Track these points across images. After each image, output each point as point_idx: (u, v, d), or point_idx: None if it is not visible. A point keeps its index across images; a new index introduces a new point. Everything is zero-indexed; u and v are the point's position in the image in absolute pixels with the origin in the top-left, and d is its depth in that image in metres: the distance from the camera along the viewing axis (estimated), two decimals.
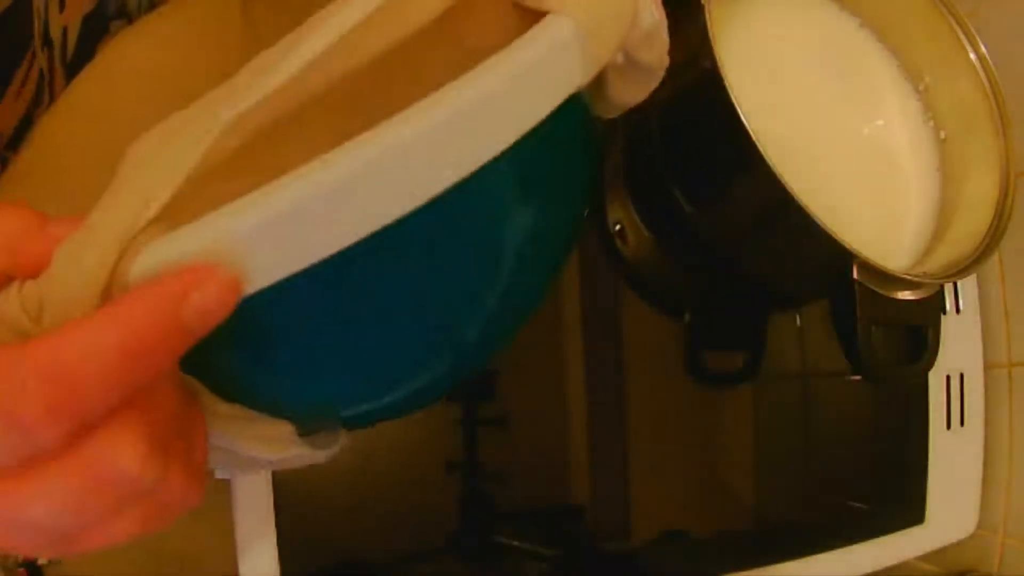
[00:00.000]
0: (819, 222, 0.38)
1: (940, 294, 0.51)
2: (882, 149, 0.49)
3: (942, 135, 0.49)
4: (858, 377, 0.52)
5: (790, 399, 0.52)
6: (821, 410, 0.52)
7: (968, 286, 0.56)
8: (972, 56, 0.46)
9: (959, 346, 0.55)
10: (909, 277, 0.41)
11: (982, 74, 0.46)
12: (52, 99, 0.37)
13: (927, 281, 0.42)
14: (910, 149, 0.49)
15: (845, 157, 0.48)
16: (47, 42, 0.36)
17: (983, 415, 0.56)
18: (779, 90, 0.46)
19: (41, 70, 0.36)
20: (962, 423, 0.55)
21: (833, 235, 0.38)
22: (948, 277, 0.43)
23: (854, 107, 0.49)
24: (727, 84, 0.37)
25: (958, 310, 0.55)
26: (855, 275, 0.40)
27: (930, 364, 0.45)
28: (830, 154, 0.47)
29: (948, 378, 0.55)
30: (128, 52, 0.35)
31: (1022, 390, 0.56)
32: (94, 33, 0.39)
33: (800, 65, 0.47)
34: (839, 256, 0.39)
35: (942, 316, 0.50)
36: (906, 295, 0.42)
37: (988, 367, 0.56)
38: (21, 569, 0.74)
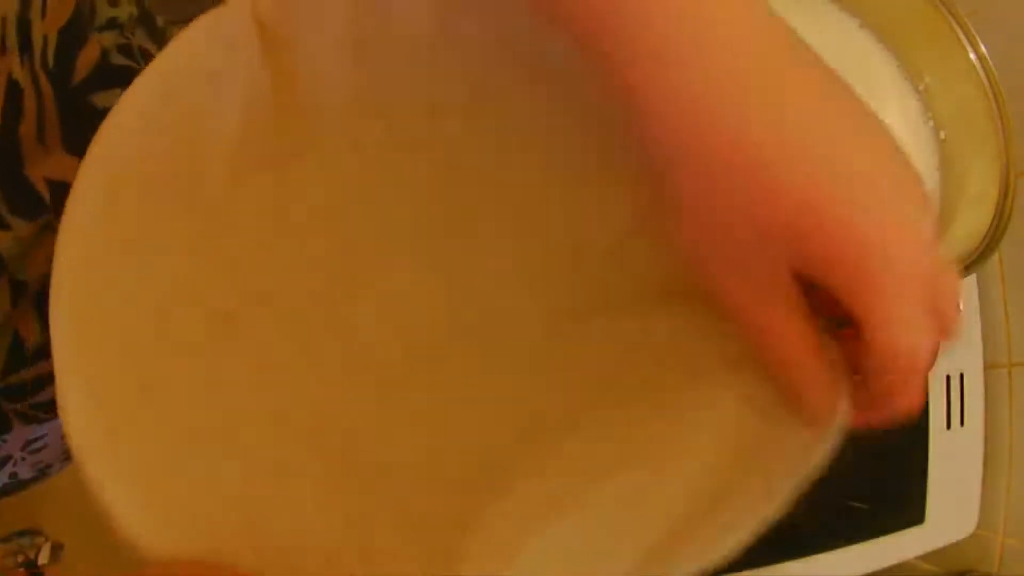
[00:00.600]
0: None
1: None
2: None
3: (942, 135, 0.49)
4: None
5: None
6: None
7: (968, 286, 0.56)
8: (972, 56, 0.46)
9: (959, 346, 0.55)
10: None
11: (982, 74, 0.46)
12: (41, 116, 0.36)
13: None
14: (910, 149, 0.49)
15: None
16: (26, 48, 0.35)
17: (983, 415, 0.56)
18: None
19: (13, 80, 0.34)
20: (962, 423, 0.55)
21: None
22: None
23: None
24: None
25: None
26: None
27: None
28: None
29: (948, 378, 0.55)
30: (122, 149, 0.32)
31: (1022, 390, 0.56)
32: (70, 47, 0.38)
33: None
34: None
35: None
36: None
37: (988, 367, 0.56)
38: (21, 569, 0.74)
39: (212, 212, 0.33)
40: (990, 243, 0.42)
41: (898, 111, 0.49)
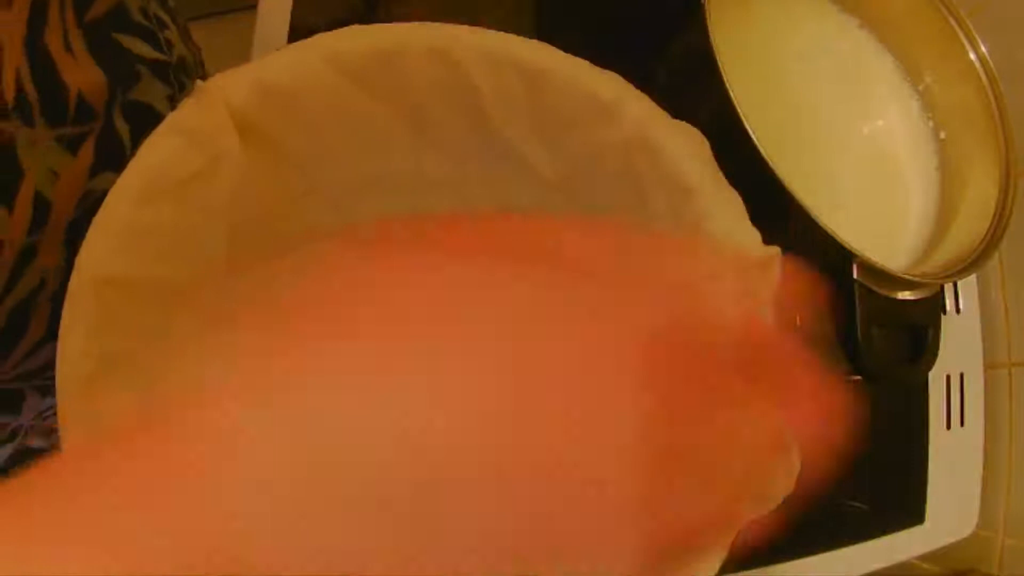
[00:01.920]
0: (820, 222, 0.38)
1: (940, 294, 0.51)
2: (882, 149, 0.49)
3: (942, 135, 0.49)
4: (858, 377, 0.52)
5: None
6: None
7: (968, 286, 0.56)
8: (972, 56, 0.46)
9: (959, 346, 0.55)
10: (909, 277, 0.41)
11: (982, 74, 0.46)
12: (66, 32, 0.35)
13: (927, 281, 0.42)
14: (910, 149, 0.49)
15: (845, 157, 0.48)
16: None
17: (983, 415, 0.56)
18: (779, 91, 0.46)
19: None
20: (962, 423, 0.55)
21: (834, 235, 0.38)
22: (948, 277, 0.43)
23: (854, 107, 0.49)
24: (728, 86, 0.37)
25: (958, 310, 0.55)
26: (855, 275, 0.40)
27: (930, 364, 0.45)
28: (830, 154, 0.47)
29: (948, 378, 0.55)
30: (111, 260, 0.30)
31: (1022, 390, 0.56)
32: None
33: (800, 66, 0.47)
34: (840, 256, 0.39)
35: (942, 316, 0.50)
36: (906, 295, 0.42)
37: (988, 367, 0.56)
38: None
39: (213, 312, 0.32)
40: (990, 243, 0.42)
41: (898, 111, 0.49)
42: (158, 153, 0.31)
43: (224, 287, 0.33)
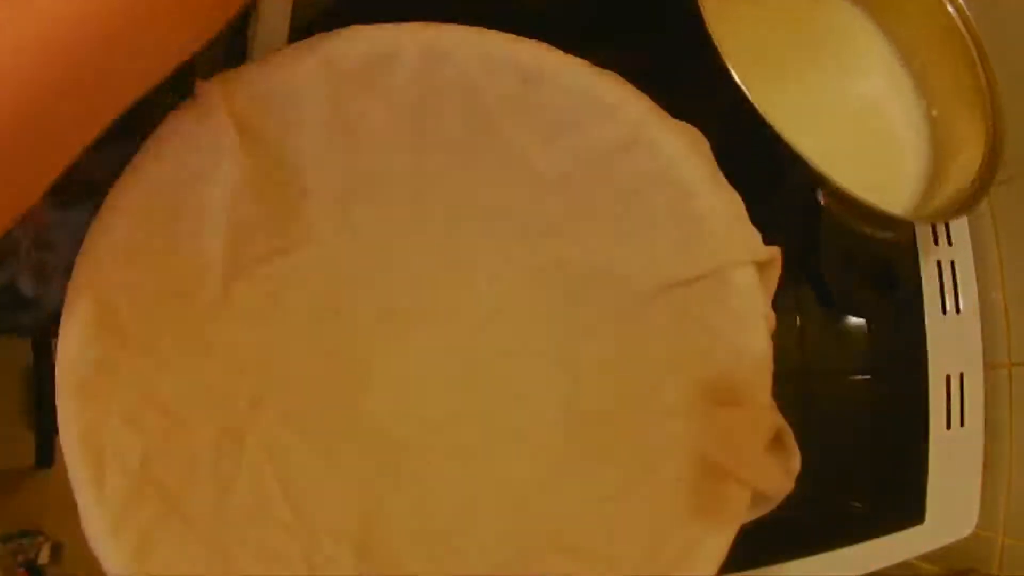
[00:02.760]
0: (790, 144, 0.38)
1: (914, 236, 0.51)
2: (875, 127, 0.49)
3: (934, 113, 0.49)
4: (858, 377, 0.52)
5: (790, 399, 0.52)
6: (820, 409, 0.52)
7: (968, 286, 0.56)
8: (965, 34, 0.46)
9: (959, 346, 0.55)
10: (877, 207, 0.41)
11: (974, 52, 0.46)
12: None
13: (895, 213, 0.42)
14: (902, 127, 0.49)
15: (837, 134, 0.48)
16: None
17: (983, 415, 0.56)
18: (771, 69, 0.46)
19: None
20: (962, 423, 0.55)
21: (803, 157, 0.38)
22: (922, 218, 0.43)
23: (847, 85, 0.49)
24: (726, 64, 0.37)
25: (958, 310, 0.55)
26: (821, 200, 0.40)
27: (903, 297, 0.44)
28: (822, 132, 0.48)
29: (948, 378, 0.55)
30: (109, 265, 0.30)
31: (1022, 390, 0.56)
32: None
33: (793, 45, 0.48)
34: (807, 182, 0.39)
35: (941, 315, 0.50)
36: (886, 235, 0.42)
37: (988, 367, 0.56)
38: (21, 570, 0.74)
39: (212, 316, 0.33)
40: (976, 193, 0.43)
41: (890, 89, 0.49)
42: (157, 155, 0.31)
43: (222, 290, 0.33)
